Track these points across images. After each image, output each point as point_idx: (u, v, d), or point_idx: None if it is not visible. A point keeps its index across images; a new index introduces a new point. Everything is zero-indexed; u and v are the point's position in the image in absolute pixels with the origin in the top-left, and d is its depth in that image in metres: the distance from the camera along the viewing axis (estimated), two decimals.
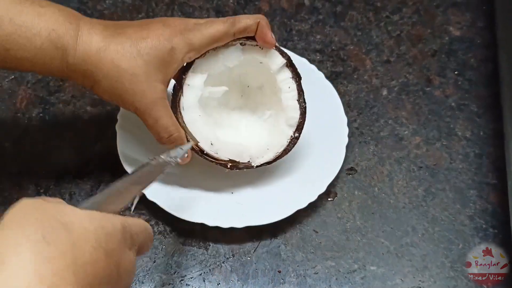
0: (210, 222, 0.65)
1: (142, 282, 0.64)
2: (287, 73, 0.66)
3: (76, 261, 0.38)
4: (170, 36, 0.61)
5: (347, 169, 0.72)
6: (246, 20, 0.63)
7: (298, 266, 0.66)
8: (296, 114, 0.66)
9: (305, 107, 0.66)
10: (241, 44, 0.64)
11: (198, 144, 0.63)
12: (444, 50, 0.83)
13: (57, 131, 0.74)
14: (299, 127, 0.66)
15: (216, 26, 0.62)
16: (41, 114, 0.75)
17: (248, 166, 0.65)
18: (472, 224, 0.69)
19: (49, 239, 0.37)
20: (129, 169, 0.67)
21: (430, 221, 0.69)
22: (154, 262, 0.65)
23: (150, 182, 0.58)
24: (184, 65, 0.63)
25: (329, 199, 0.69)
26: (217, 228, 0.65)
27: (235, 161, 0.65)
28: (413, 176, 0.72)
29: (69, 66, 0.59)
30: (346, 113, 0.76)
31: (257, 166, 0.65)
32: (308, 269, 0.65)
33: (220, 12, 0.85)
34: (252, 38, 0.64)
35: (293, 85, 0.66)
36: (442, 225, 0.69)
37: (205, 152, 0.64)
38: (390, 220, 0.69)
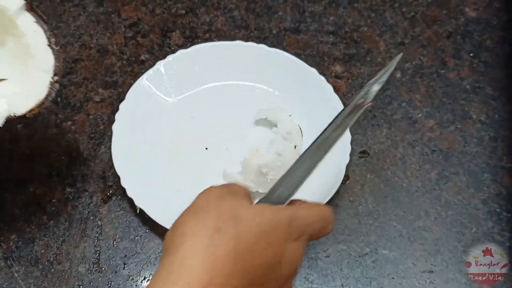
0: None
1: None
2: (30, 17, 0.61)
3: (237, 249, 0.43)
4: None
5: (360, 152, 0.72)
6: None
7: (309, 249, 0.65)
8: (50, 57, 0.61)
9: (59, 50, 0.62)
10: None
11: None
12: (460, 32, 0.82)
13: (69, 113, 0.74)
14: (58, 71, 0.61)
15: None
16: (53, 96, 0.75)
17: (12, 117, 0.59)
18: (486, 208, 0.68)
19: (219, 229, 0.43)
20: (120, 169, 0.67)
21: (443, 205, 0.68)
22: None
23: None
24: None
25: (341, 182, 0.68)
26: None
27: None
28: (427, 159, 0.71)
29: None
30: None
31: (22, 115, 0.59)
32: (319, 252, 0.65)
33: None
34: None
35: (39, 29, 0.61)
36: (455, 209, 0.68)
37: None
38: (403, 204, 0.68)
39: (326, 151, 0.55)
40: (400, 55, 0.64)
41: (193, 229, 0.44)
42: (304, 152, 0.55)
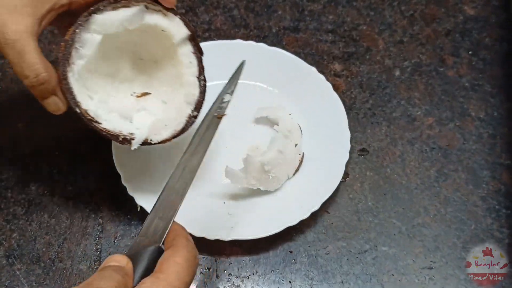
0: (197, 233, 0.63)
1: None
2: (189, 47, 0.62)
3: None
4: None
5: (359, 150, 0.72)
6: None
7: (309, 246, 0.66)
8: (196, 91, 0.63)
9: (205, 85, 0.63)
10: (145, 6, 0.59)
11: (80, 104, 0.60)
12: (458, 30, 0.82)
13: (70, 111, 0.74)
14: (198, 106, 0.63)
15: None
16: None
17: (146, 142, 0.61)
18: (485, 205, 0.68)
19: None
20: (120, 168, 0.67)
21: (442, 202, 0.69)
22: None
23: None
24: (80, 19, 0.57)
25: (341, 179, 0.68)
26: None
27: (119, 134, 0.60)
28: (426, 157, 0.72)
29: None
30: (359, 93, 0.76)
31: (155, 143, 0.61)
32: (319, 249, 0.66)
33: None
34: (157, 2, 0.60)
35: (195, 61, 0.63)
36: (454, 205, 0.68)
37: (89, 118, 0.60)
38: (402, 201, 0.69)
39: (195, 170, 0.54)
40: (243, 61, 0.65)
41: None
42: (171, 175, 0.54)
